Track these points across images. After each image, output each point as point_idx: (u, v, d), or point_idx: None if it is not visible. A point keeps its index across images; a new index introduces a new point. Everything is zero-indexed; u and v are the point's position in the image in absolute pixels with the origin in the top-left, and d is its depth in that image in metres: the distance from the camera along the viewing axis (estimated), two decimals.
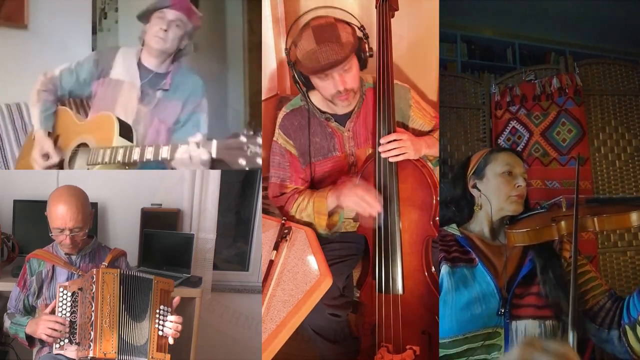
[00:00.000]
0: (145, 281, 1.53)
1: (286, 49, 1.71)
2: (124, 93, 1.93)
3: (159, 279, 1.55)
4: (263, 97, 2.27)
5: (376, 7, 1.77)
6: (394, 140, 1.64)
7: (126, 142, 1.78)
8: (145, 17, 1.93)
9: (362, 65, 1.70)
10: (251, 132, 1.44)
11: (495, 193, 1.44)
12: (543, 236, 1.31)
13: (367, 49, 1.68)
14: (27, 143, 2.01)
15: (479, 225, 1.48)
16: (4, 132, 2.32)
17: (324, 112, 1.78)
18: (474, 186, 1.48)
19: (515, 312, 1.32)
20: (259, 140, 1.43)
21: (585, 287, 1.34)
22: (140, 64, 1.96)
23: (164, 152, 1.62)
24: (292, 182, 1.82)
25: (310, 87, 1.72)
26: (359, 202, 1.60)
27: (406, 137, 1.65)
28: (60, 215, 1.51)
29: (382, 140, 1.65)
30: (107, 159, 1.72)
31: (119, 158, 1.70)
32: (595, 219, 1.25)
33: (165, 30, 1.88)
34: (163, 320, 1.51)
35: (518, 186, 1.43)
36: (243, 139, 1.44)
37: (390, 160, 1.64)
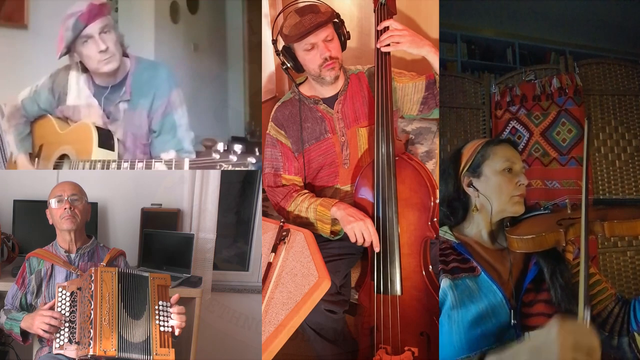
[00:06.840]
0: (142, 279, 1.55)
1: (273, 40, 1.83)
2: (85, 118, 1.87)
3: (155, 275, 1.58)
4: (262, 100, 2.28)
5: (374, 11, 1.78)
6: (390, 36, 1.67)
7: (106, 152, 1.80)
8: (70, 48, 1.77)
9: (343, 46, 1.79)
10: (225, 147, 1.48)
11: (496, 193, 1.29)
12: (550, 242, 1.20)
13: (344, 32, 1.78)
14: (9, 168, 2.01)
15: (475, 227, 1.34)
16: (4, 132, 2.32)
17: (312, 97, 1.85)
18: (470, 184, 1.33)
19: (526, 322, 1.22)
20: (232, 157, 1.49)
21: (592, 291, 1.27)
22: (93, 83, 1.87)
23: (139, 168, 1.66)
24: (285, 171, 1.85)
25: (299, 69, 1.80)
26: (357, 235, 1.62)
27: (402, 27, 1.69)
28: (59, 187, 1.64)
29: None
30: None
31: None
32: (605, 224, 1.16)
33: (105, 50, 1.75)
34: (164, 316, 1.52)
35: (520, 184, 1.29)
36: (216, 155, 1.49)
37: (383, 50, 1.69)
